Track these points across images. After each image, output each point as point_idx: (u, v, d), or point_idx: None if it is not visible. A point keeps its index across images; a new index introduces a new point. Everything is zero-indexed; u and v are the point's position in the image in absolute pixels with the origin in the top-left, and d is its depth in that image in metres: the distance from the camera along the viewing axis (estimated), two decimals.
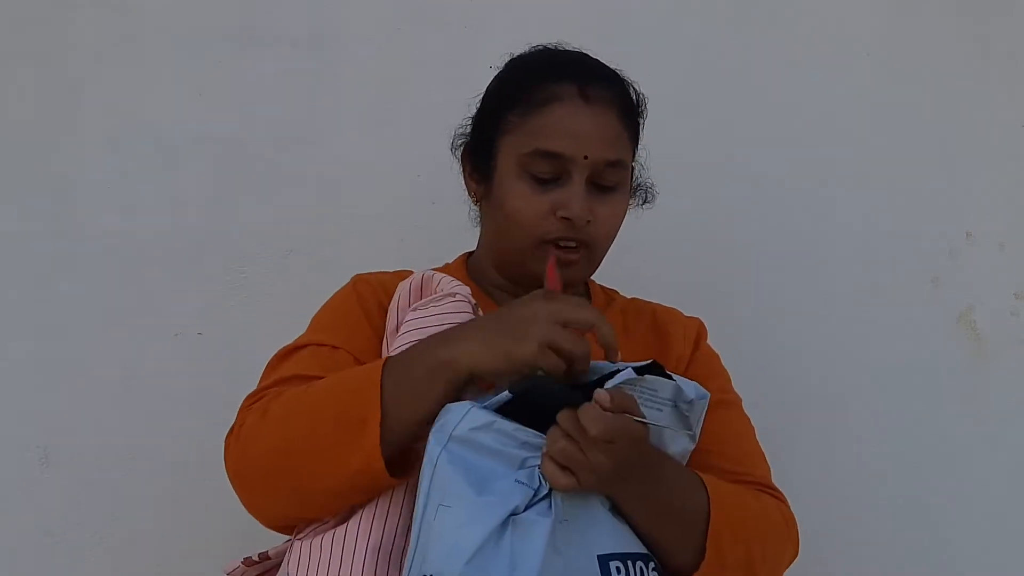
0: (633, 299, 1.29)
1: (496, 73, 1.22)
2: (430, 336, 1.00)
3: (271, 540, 1.54)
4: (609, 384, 0.94)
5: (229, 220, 1.56)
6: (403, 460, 0.98)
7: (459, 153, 1.24)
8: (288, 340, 1.54)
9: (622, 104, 1.15)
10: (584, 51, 1.19)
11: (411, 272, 1.21)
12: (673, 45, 1.63)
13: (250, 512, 1.08)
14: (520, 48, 1.61)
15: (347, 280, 1.56)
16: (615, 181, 1.13)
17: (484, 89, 1.23)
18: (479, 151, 1.18)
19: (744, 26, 1.66)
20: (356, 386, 0.98)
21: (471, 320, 1.03)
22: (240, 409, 1.10)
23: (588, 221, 1.11)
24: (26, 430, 1.51)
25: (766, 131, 1.66)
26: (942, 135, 1.69)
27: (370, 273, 1.23)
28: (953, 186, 1.69)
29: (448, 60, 1.60)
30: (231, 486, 1.07)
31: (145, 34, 1.57)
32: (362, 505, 1.00)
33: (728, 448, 1.14)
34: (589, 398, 0.91)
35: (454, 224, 1.59)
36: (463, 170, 1.22)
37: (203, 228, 1.55)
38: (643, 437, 0.95)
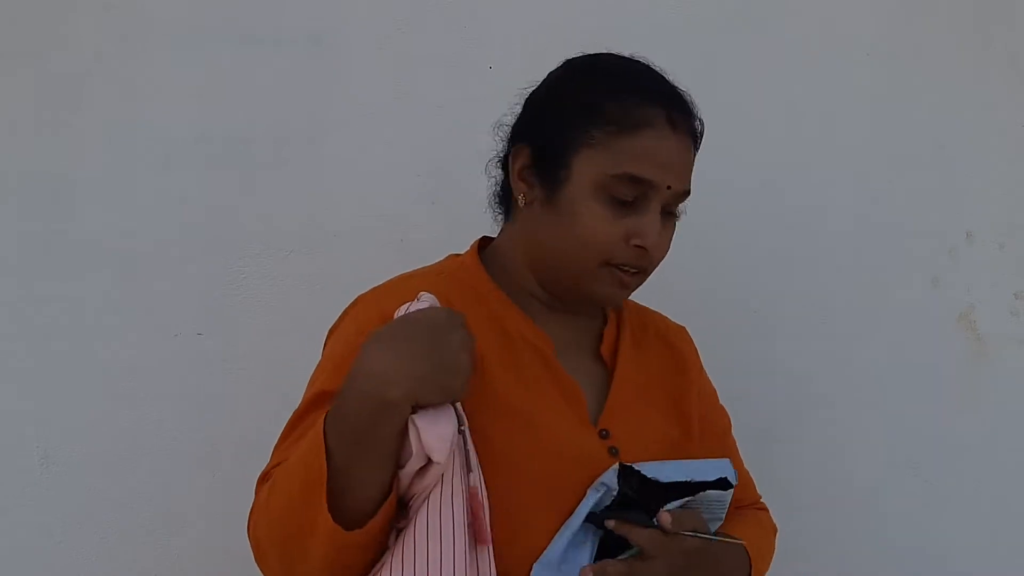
0: (628, 300, 1.25)
1: (568, 73, 1.17)
2: (356, 370, 0.96)
3: None
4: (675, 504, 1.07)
5: (229, 220, 1.56)
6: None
7: (506, 143, 1.19)
8: (288, 340, 1.55)
9: (696, 132, 1.15)
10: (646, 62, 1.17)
11: (415, 275, 1.19)
12: (673, 45, 1.63)
13: None
14: (517, 48, 1.62)
15: (344, 280, 1.57)
16: (678, 210, 1.14)
17: (542, 82, 1.19)
18: (544, 155, 1.13)
19: (744, 26, 1.66)
20: (307, 453, 0.97)
21: (389, 343, 0.97)
22: (256, 486, 1.10)
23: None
24: (26, 430, 1.51)
25: (766, 131, 1.66)
26: (942, 135, 1.69)
27: (372, 292, 1.18)
28: (953, 186, 1.69)
29: (448, 60, 1.60)
30: None
31: (145, 34, 1.57)
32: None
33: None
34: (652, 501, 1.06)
35: (454, 224, 1.59)
36: (511, 165, 1.16)
37: (203, 228, 1.55)
38: (702, 549, 1.04)
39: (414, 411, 0.96)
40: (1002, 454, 1.66)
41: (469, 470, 1.00)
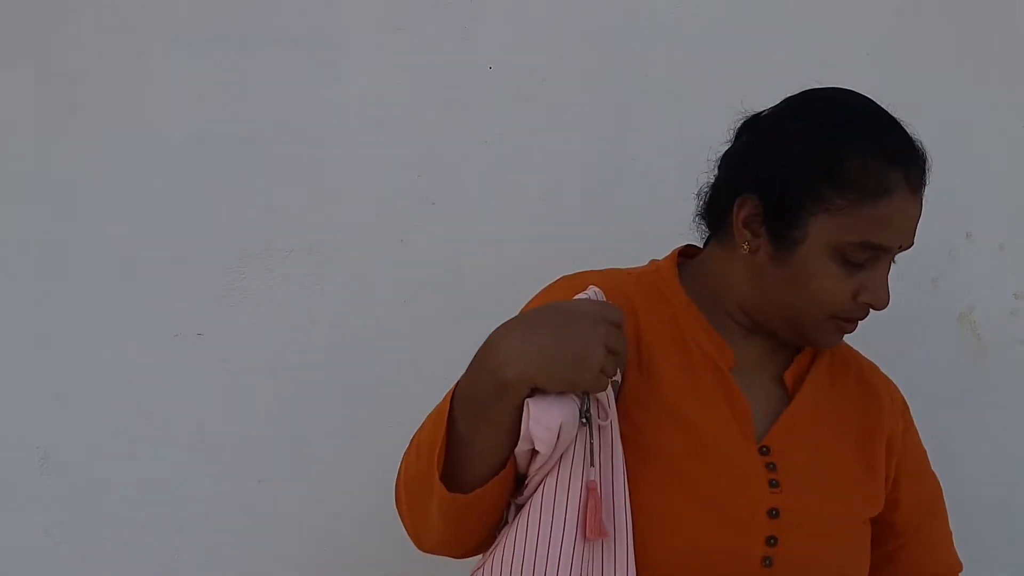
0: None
1: (804, 121, 1.12)
2: (487, 343, 0.98)
3: (263, 533, 1.55)
4: None
5: (229, 220, 1.56)
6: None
7: (722, 168, 1.18)
8: (286, 341, 1.55)
9: (926, 183, 1.14)
10: (877, 103, 1.14)
11: (620, 271, 1.20)
12: (672, 45, 1.63)
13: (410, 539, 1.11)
14: (517, 48, 1.61)
15: (344, 280, 1.57)
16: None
17: (772, 117, 1.16)
18: (776, 212, 1.10)
19: (743, 26, 1.66)
20: (436, 417, 1.00)
21: (525, 324, 0.98)
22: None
23: None
24: (26, 430, 1.51)
25: None
26: (942, 135, 1.68)
27: (578, 274, 1.19)
28: (953, 186, 1.68)
29: (448, 60, 1.60)
30: None
31: (145, 34, 1.57)
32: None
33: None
34: None
35: (454, 224, 1.59)
36: (735, 211, 1.12)
37: (203, 228, 1.55)
38: None
39: (533, 394, 0.96)
40: (1002, 454, 1.66)
41: (591, 464, 1.00)
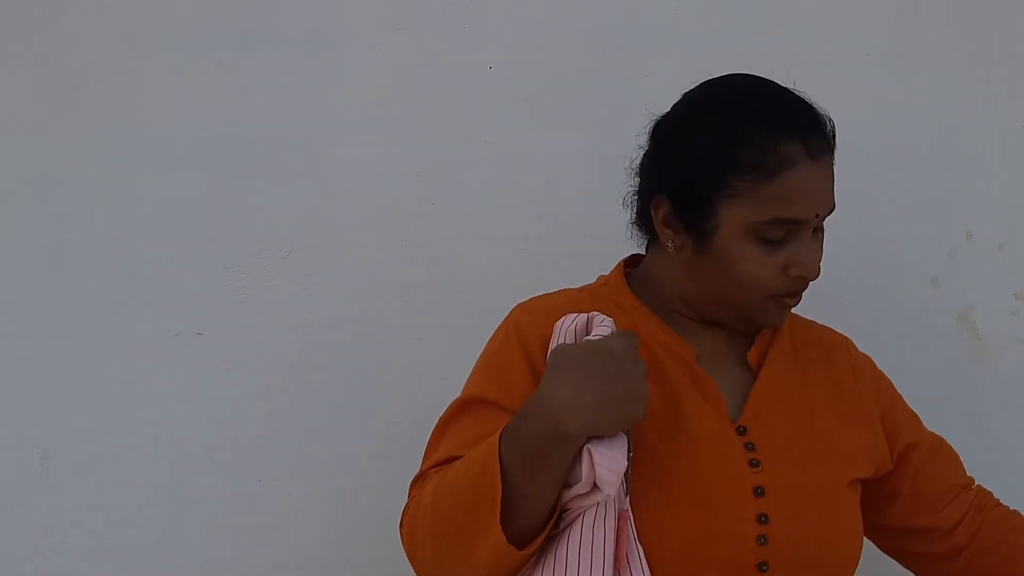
0: (791, 313, 1.27)
1: (694, 113, 1.16)
2: (538, 394, 1.00)
3: (263, 533, 1.55)
4: None
5: (229, 220, 1.56)
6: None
7: (639, 175, 1.21)
8: (286, 341, 1.55)
9: (832, 147, 1.15)
10: (766, 79, 1.17)
11: (572, 290, 1.22)
12: (673, 45, 1.63)
13: None
14: (517, 48, 1.62)
15: (344, 280, 1.57)
16: (823, 223, 1.15)
17: (668, 117, 1.19)
18: (685, 206, 1.13)
19: (743, 26, 1.65)
20: (479, 468, 1.00)
21: (570, 372, 0.99)
22: (410, 487, 1.13)
23: None
24: (26, 430, 1.51)
25: None
26: (942, 135, 1.69)
27: (533, 300, 1.21)
28: (953, 186, 1.69)
29: (448, 60, 1.60)
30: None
31: (145, 34, 1.57)
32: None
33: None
34: None
35: (454, 224, 1.59)
36: (653, 214, 1.16)
37: (203, 228, 1.55)
38: None
39: (589, 439, 0.98)
40: (1002, 454, 1.66)
41: (626, 493, 1.03)
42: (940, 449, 1.29)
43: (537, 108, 1.61)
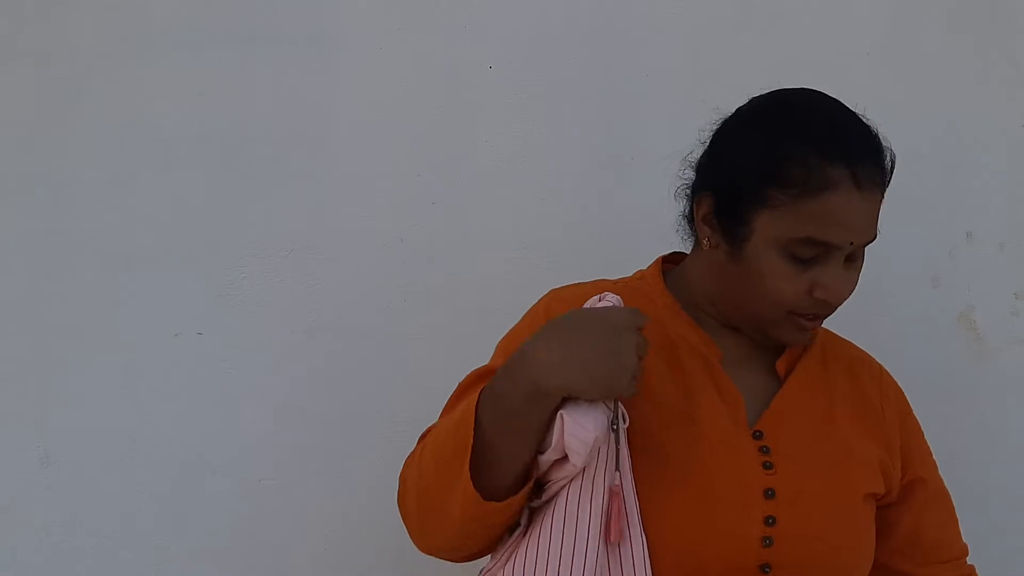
0: (826, 330, 1.28)
1: (753, 120, 1.16)
2: (520, 350, 1.00)
3: (263, 533, 1.55)
4: None
5: (229, 220, 1.56)
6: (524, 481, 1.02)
7: (689, 189, 1.21)
8: (286, 341, 1.55)
9: (884, 180, 1.14)
10: (837, 101, 1.16)
11: (606, 281, 1.21)
12: (673, 45, 1.63)
13: (411, 538, 1.12)
14: (517, 48, 1.62)
15: (344, 280, 1.57)
16: (862, 252, 1.14)
17: (730, 120, 1.19)
18: (725, 208, 1.13)
19: (743, 26, 1.66)
20: (458, 421, 1.01)
21: (562, 333, 0.99)
22: (417, 442, 1.14)
23: None
24: (26, 430, 1.51)
25: None
26: (942, 135, 1.69)
27: (566, 287, 1.22)
28: (953, 186, 1.69)
29: (448, 60, 1.60)
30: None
31: (145, 34, 1.57)
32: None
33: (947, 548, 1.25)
34: None
35: (454, 224, 1.59)
36: (695, 209, 1.17)
37: (203, 228, 1.55)
38: None
39: (564, 403, 0.97)
40: (1002, 454, 1.66)
41: (616, 468, 1.01)
42: (946, 500, 1.28)
43: (537, 108, 1.61)
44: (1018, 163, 1.69)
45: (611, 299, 1.07)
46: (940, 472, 1.30)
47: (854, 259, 1.14)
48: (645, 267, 1.26)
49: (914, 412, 1.30)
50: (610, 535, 0.99)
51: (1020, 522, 1.67)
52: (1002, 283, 1.68)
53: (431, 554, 1.12)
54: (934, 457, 1.29)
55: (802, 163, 1.08)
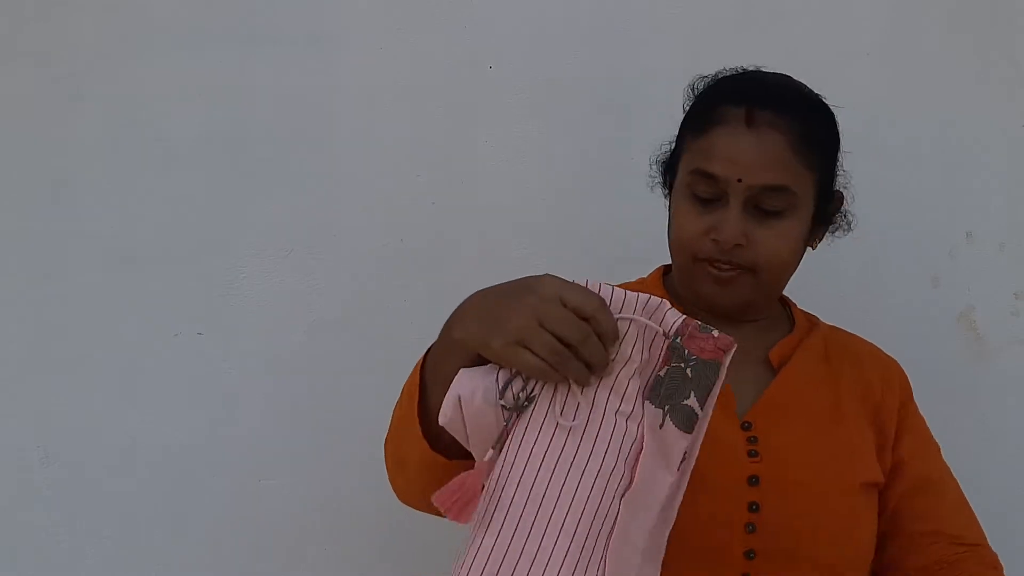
0: (834, 327, 1.30)
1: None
2: (456, 311, 0.98)
3: (263, 533, 1.55)
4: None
5: (229, 220, 1.56)
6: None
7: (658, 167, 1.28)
8: (286, 341, 1.55)
9: (794, 130, 1.13)
10: (785, 74, 1.21)
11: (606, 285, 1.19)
12: (673, 45, 1.63)
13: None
14: (517, 48, 1.62)
15: (344, 280, 1.57)
16: (779, 207, 1.13)
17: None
18: (669, 167, 1.23)
19: (744, 26, 1.66)
20: (413, 373, 1.04)
21: (493, 288, 0.95)
22: None
23: (738, 245, 1.12)
24: (26, 430, 1.51)
25: None
26: (942, 135, 1.69)
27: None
28: (953, 186, 1.69)
29: (448, 60, 1.60)
30: None
31: (145, 34, 1.57)
32: None
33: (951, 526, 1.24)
34: None
35: (454, 224, 1.59)
36: (663, 184, 1.25)
37: (203, 228, 1.55)
38: None
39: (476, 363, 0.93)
40: (1002, 454, 1.66)
41: (494, 447, 0.92)
42: (940, 487, 1.26)
43: (537, 108, 1.61)
44: (1018, 163, 1.69)
45: (595, 287, 0.96)
46: None
47: (768, 212, 1.12)
48: (646, 268, 1.27)
49: (919, 410, 1.30)
50: (460, 511, 0.90)
51: (1020, 522, 1.67)
52: (1002, 283, 1.68)
53: (410, 505, 1.10)
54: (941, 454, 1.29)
55: (704, 104, 1.16)
